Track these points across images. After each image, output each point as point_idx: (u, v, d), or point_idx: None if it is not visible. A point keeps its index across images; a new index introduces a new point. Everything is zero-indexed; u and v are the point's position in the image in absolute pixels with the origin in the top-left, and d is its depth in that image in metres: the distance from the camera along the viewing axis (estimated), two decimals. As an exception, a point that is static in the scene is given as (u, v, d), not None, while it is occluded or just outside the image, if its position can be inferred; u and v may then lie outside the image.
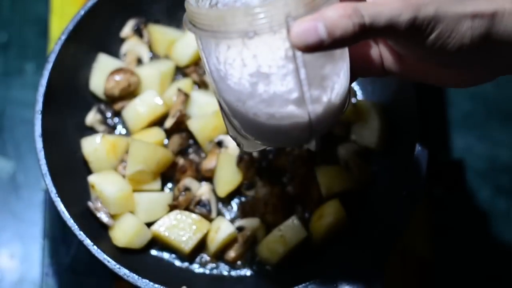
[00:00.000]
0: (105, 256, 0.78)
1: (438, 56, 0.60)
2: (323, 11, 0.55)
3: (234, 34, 0.56)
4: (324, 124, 0.62)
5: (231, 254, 0.85)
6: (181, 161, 0.88)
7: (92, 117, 0.90)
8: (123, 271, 0.77)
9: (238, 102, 0.61)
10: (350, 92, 0.66)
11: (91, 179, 0.85)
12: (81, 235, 0.78)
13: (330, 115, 0.62)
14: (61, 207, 0.79)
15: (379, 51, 0.68)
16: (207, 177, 0.88)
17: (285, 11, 0.55)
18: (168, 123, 0.88)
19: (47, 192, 0.81)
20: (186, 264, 0.85)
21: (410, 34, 0.57)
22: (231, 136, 0.67)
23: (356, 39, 0.55)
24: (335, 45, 0.55)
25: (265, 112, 0.60)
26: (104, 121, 0.90)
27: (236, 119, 0.64)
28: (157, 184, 0.87)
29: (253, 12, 0.55)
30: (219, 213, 0.88)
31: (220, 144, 0.87)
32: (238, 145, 0.68)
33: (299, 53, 0.57)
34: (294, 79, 0.58)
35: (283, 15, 0.55)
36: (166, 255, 0.86)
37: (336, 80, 0.61)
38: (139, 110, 0.88)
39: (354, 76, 0.67)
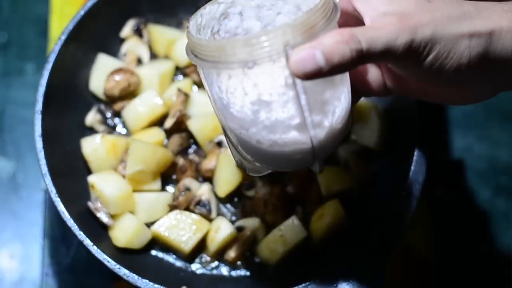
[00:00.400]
0: (105, 256, 0.78)
1: (437, 76, 0.59)
2: (321, 38, 0.55)
3: (234, 64, 0.57)
4: (326, 148, 0.63)
5: (231, 254, 0.85)
6: (181, 161, 0.88)
7: (92, 117, 0.90)
8: (123, 271, 0.77)
9: (242, 129, 0.61)
10: (352, 114, 0.67)
11: (91, 179, 0.85)
12: (81, 235, 0.78)
13: (332, 139, 0.63)
14: (61, 207, 0.79)
15: (380, 72, 0.68)
16: (207, 177, 0.88)
17: (283, 40, 0.55)
18: (168, 123, 0.88)
19: (47, 192, 0.81)
20: (186, 264, 0.85)
21: (408, 56, 0.57)
22: (236, 162, 0.68)
23: (354, 65, 0.56)
24: (333, 72, 0.55)
25: (268, 138, 0.61)
26: (104, 121, 0.90)
27: (240, 145, 0.65)
28: (157, 184, 0.87)
29: (252, 42, 0.55)
30: (219, 213, 0.88)
31: (220, 144, 0.87)
32: (244, 169, 0.68)
33: (298, 80, 0.57)
34: (295, 105, 0.59)
35: (281, 44, 0.56)
36: (166, 255, 0.86)
37: (337, 104, 0.61)
38: (139, 110, 0.88)
39: (356, 97, 0.67)
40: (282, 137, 0.60)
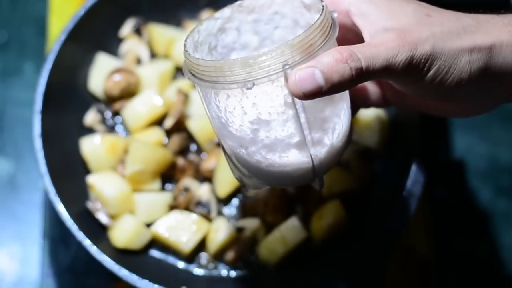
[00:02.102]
0: (104, 256, 0.78)
1: (438, 91, 0.59)
2: (320, 57, 0.55)
3: (233, 84, 0.56)
4: (327, 165, 0.63)
5: (231, 254, 0.85)
6: (181, 161, 0.87)
7: (91, 117, 0.90)
8: (123, 272, 0.77)
9: (241, 148, 0.61)
10: (352, 129, 0.66)
11: (90, 179, 0.85)
12: (80, 235, 0.78)
13: (332, 156, 0.63)
14: (60, 207, 0.79)
15: (379, 85, 0.68)
16: (207, 177, 0.88)
17: (282, 59, 0.55)
18: (168, 123, 0.88)
19: (46, 192, 0.81)
20: (185, 264, 0.85)
21: (408, 72, 0.57)
22: (236, 178, 0.68)
23: (354, 83, 0.55)
24: (333, 91, 0.55)
25: (267, 157, 0.61)
26: (103, 121, 0.90)
27: (240, 163, 0.65)
28: (157, 184, 0.86)
29: (250, 62, 0.55)
30: (219, 213, 0.87)
31: (220, 144, 0.87)
32: (243, 186, 0.68)
33: (298, 99, 0.57)
34: (295, 124, 0.58)
35: (280, 64, 0.55)
36: (165, 256, 0.86)
37: (336, 121, 0.61)
38: (138, 110, 0.88)
39: (355, 109, 0.67)
40: (282, 155, 0.60)
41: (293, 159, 0.60)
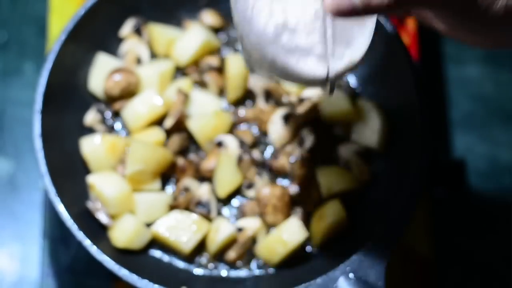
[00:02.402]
0: (104, 256, 0.77)
1: (470, 27, 0.59)
2: None
3: None
4: (342, 75, 0.63)
5: (231, 254, 0.85)
6: (181, 161, 0.87)
7: (91, 117, 0.90)
8: (123, 272, 0.77)
9: (259, 45, 0.61)
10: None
11: (90, 179, 0.85)
12: (80, 235, 0.78)
13: (349, 68, 0.63)
14: (60, 207, 0.79)
15: None
16: (207, 177, 0.87)
17: None
18: (168, 123, 0.88)
19: (46, 192, 0.81)
20: (185, 264, 0.85)
21: (447, 5, 0.57)
22: (243, 60, 0.67)
23: (390, 10, 0.55)
24: (368, 14, 0.55)
25: (283, 59, 0.60)
26: (103, 121, 0.90)
27: (254, 54, 0.64)
28: (157, 184, 0.86)
29: None
30: (219, 213, 0.87)
31: (220, 144, 0.87)
32: (250, 69, 0.68)
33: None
34: (320, 36, 0.58)
35: None
36: (165, 256, 0.85)
37: (361, 39, 0.61)
38: (138, 110, 0.88)
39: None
40: (300, 60, 0.60)
41: (309, 65, 0.60)
